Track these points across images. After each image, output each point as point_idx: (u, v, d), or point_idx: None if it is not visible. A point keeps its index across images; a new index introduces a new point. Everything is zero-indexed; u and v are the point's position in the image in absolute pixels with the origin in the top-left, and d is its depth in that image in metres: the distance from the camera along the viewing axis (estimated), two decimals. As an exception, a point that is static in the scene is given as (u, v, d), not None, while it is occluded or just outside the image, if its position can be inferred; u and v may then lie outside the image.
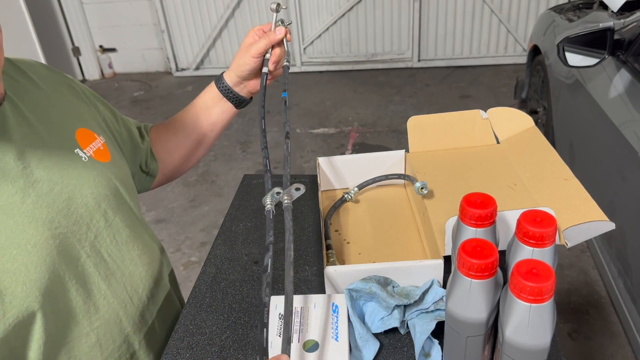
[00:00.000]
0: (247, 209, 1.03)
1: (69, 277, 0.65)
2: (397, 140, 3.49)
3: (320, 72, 4.73)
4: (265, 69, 0.89)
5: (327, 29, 4.60)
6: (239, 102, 0.96)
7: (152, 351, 0.79)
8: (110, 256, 0.71)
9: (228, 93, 0.94)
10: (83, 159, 0.71)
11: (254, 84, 0.94)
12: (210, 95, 0.95)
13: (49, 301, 0.62)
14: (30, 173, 0.63)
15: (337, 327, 0.68)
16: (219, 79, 0.95)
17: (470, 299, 0.56)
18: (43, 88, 0.73)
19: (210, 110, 0.96)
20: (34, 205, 0.62)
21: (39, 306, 0.60)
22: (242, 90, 0.95)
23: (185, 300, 0.84)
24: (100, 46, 5.04)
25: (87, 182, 0.69)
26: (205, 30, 4.78)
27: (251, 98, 0.98)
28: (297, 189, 0.66)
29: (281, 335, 0.67)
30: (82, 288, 0.67)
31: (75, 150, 0.71)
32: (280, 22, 0.91)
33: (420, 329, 0.67)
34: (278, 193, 0.67)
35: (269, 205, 0.66)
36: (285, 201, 0.66)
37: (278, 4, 0.90)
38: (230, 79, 0.94)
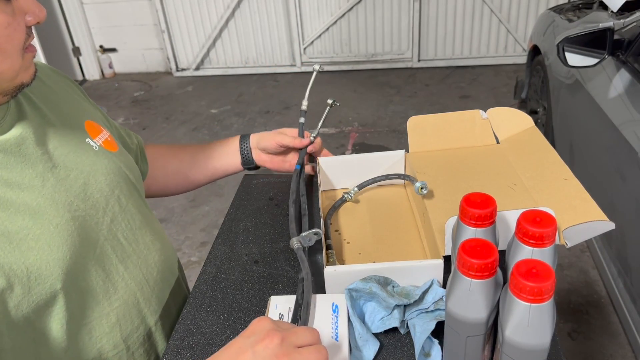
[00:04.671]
0: (247, 209, 1.03)
1: (89, 258, 0.67)
2: (397, 140, 3.49)
3: (320, 72, 4.73)
4: (302, 119, 1.01)
5: (327, 29, 4.60)
6: (246, 161, 1.03)
7: (166, 334, 0.82)
8: (126, 240, 0.74)
9: (244, 149, 1.02)
10: (94, 147, 0.73)
11: (265, 159, 1.03)
12: (230, 146, 1.02)
13: (70, 281, 0.64)
14: (48, 159, 0.65)
15: (337, 327, 0.68)
16: (244, 136, 1.03)
17: (470, 299, 0.56)
18: (49, 85, 0.75)
19: (222, 157, 1.03)
20: (53, 188, 0.64)
21: (62, 285, 0.62)
22: (254, 154, 1.02)
23: (191, 289, 0.86)
24: (101, 46, 5.05)
25: (100, 170, 0.72)
26: (205, 30, 4.78)
27: (257, 167, 1.05)
28: (316, 233, 0.78)
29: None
30: (102, 269, 0.69)
31: (87, 140, 0.73)
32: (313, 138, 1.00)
33: (420, 328, 0.67)
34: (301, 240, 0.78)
35: (296, 246, 0.77)
36: (296, 245, 0.78)
37: (317, 135, 1.01)
38: (252, 141, 1.02)
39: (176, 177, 1.03)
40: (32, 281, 0.59)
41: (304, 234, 0.78)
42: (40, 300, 0.61)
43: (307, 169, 1.03)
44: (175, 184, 1.04)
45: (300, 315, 0.67)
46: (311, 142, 0.99)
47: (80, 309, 0.66)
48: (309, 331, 0.55)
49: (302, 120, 1.00)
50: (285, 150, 1.01)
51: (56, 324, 0.64)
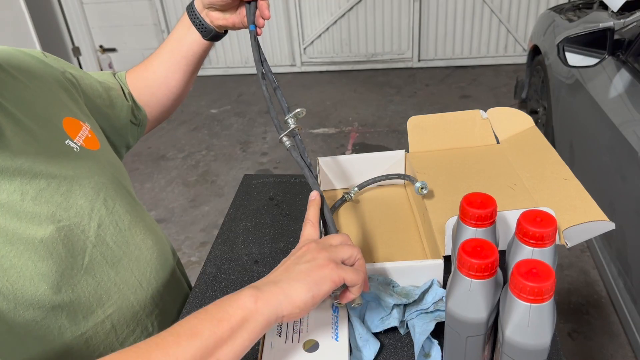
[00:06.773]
0: (247, 209, 1.03)
1: (78, 268, 0.65)
2: (397, 140, 3.49)
3: (320, 72, 4.73)
4: None
5: (327, 29, 4.60)
6: (203, 30, 0.90)
7: None
8: (115, 243, 0.72)
9: (195, 19, 0.89)
10: (75, 149, 0.70)
11: (218, 17, 0.88)
12: (182, 25, 0.92)
13: (60, 295, 0.62)
14: (27, 169, 0.62)
15: (337, 327, 0.68)
16: (189, 5, 0.90)
17: (470, 299, 0.56)
18: (21, 79, 0.71)
19: (182, 41, 0.92)
20: (33, 201, 0.62)
21: (49, 301, 0.61)
22: (205, 17, 0.89)
23: (192, 285, 0.85)
24: (101, 46, 5.05)
25: (83, 173, 0.69)
26: (205, 30, 4.78)
27: (225, 32, 0.92)
28: (300, 113, 0.74)
29: (281, 335, 0.67)
30: (92, 278, 0.67)
31: (66, 142, 0.70)
32: None
33: (420, 329, 0.67)
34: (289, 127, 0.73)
35: (287, 143, 0.73)
36: (288, 143, 0.73)
37: None
38: (197, 5, 0.89)
39: (160, 88, 0.96)
40: (19, 298, 0.58)
41: (289, 120, 0.72)
42: (30, 318, 0.59)
43: (260, 22, 0.85)
44: (165, 97, 0.96)
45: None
46: None
47: (73, 321, 0.65)
48: (339, 235, 0.65)
49: None
50: (234, 1, 0.86)
51: (50, 339, 0.62)
